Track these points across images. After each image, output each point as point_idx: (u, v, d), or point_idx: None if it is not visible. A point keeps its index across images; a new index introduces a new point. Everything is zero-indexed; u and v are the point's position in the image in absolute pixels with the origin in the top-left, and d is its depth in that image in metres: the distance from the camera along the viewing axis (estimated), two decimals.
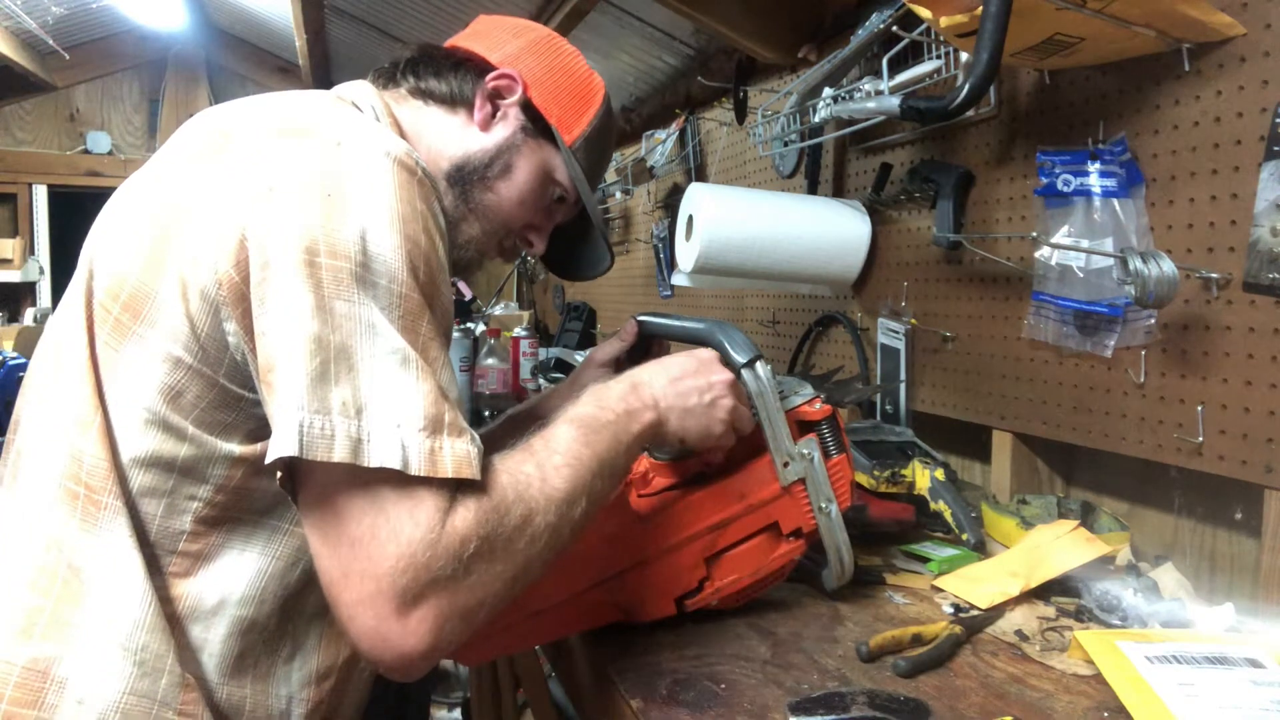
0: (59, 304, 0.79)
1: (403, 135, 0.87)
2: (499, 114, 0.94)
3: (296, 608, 0.77)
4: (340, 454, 0.59)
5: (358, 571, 0.59)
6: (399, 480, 0.60)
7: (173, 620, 0.70)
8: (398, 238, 0.65)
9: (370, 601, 0.58)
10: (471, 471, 0.62)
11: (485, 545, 0.62)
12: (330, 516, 0.61)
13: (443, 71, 0.94)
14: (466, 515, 0.62)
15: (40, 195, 4.98)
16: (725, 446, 0.88)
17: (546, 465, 0.69)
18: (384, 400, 0.61)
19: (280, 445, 0.60)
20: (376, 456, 0.60)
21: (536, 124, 0.96)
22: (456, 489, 0.63)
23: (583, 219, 1.05)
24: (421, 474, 0.60)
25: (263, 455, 0.69)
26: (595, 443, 0.73)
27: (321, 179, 0.66)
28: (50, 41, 3.73)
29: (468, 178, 0.91)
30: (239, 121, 0.74)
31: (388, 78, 0.94)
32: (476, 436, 0.65)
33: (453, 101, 0.93)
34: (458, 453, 0.62)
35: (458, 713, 2.53)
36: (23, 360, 2.63)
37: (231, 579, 0.73)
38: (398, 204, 0.66)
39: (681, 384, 0.83)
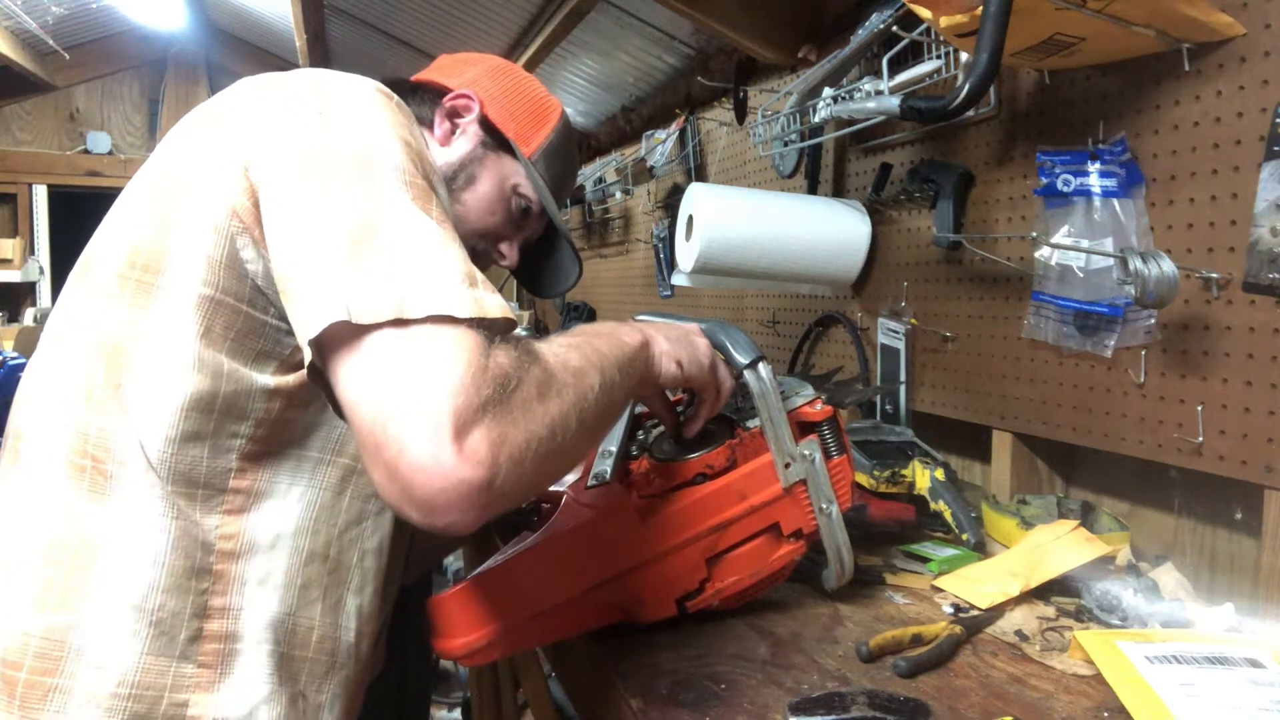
0: (58, 300, 0.80)
1: None
2: (458, 130, 1.02)
3: (354, 539, 0.80)
4: (387, 313, 0.59)
5: (405, 403, 0.57)
6: (443, 322, 0.61)
7: (231, 557, 0.72)
8: (393, 137, 0.69)
9: (424, 428, 0.56)
10: (511, 315, 0.65)
11: (525, 382, 0.62)
12: (371, 365, 0.60)
13: (404, 95, 0.98)
14: (506, 355, 0.62)
15: (40, 195, 4.98)
16: (714, 393, 0.90)
17: (554, 346, 0.71)
18: (419, 260, 0.63)
19: (321, 317, 0.60)
20: (423, 307, 0.60)
21: (495, 138, 1.02)
22: (493, 337, 0.63)
23: (550, 234, 1.11)
24: (468, 315, 0.61)
25: (298, 386, 0.73)
26: (595, 342, 0.75)
27: (311, 103, 0.71)
28: (50, 41, 3.73)
29: None
30: (227, 97, 0.78)
31: None
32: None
33: (415, 121, 0.98)
34: (499, 300, 0.65)
35: (458, 713, 2.53)
36: (23, 360, 2.64)
37: (284, 512, 0.75)
38: (387, 114, 0.71)
39: (659, 325, 0.87)
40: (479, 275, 0.66)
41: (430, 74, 1.09)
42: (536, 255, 1.14)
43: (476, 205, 1.00)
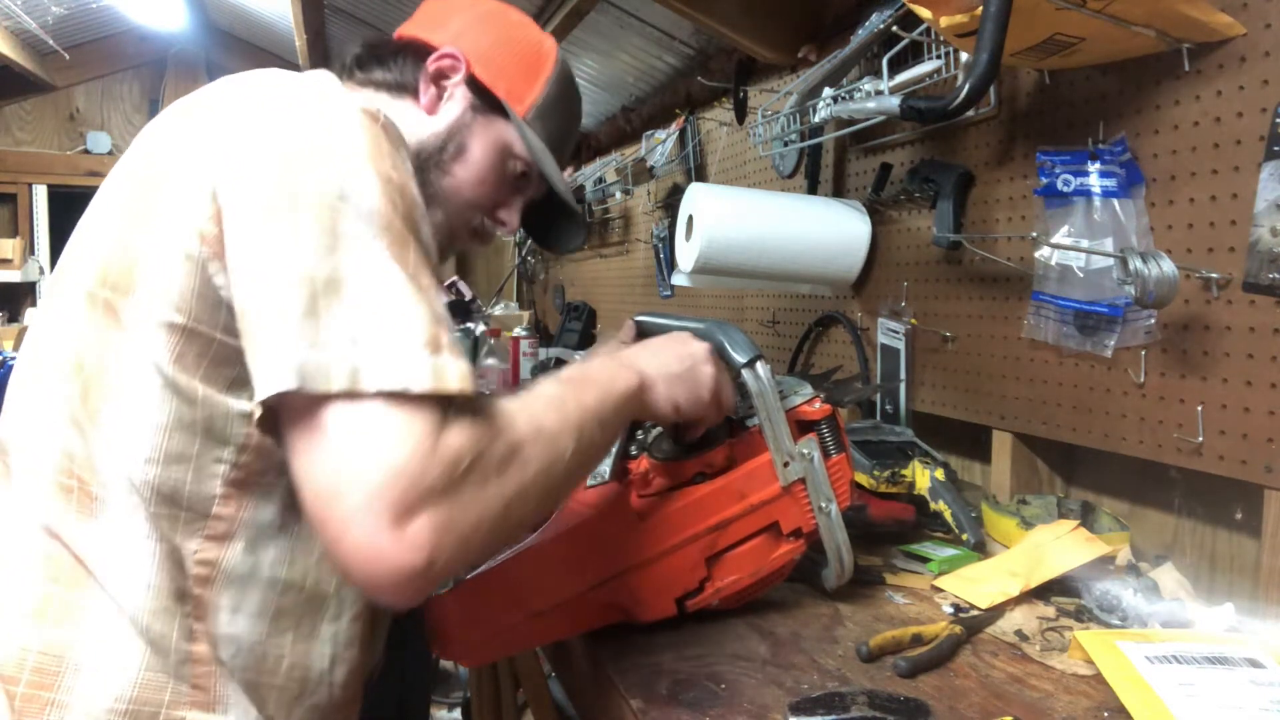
0: (38, 307, 0.79)
1: None
2: (445, 95, 0.93)
3: (332, 568, 0.78)
4: (339, 384, 0.58)
5: (349, 484, 0.57)
6: (395, 399, 0.59)
7: (206, 583, 0.71)
8: (371, 174, 0.65)
9: (364, 512, 0.56)
10: (472, 387, 0.62)
11: (478, 463, 0.61)
12: (319, 439, 0.59)
13: (385, 60, 0.93)
14: (460, 432, 0.61)
15: (40, 195, 4.98)
16: (715, 416, 0.89)
17: (533, 406, 0.70)
18: (380, 325, 0.61)
19: (275, 381, 0.59)
20: (376, 380, 0.59)
21: (486, 100, 0.94)
22: (449, 409, 0.62)
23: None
24: (427, 390, 0.59)
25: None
26: (581, 393, 0.74)
27: (288, 125, 0.66)
28: (50, 41, 3.73)
29: (424, 165, 0.90)
30: (202, 96, 0.75)
31: (338, 71, 0.93)
32: (468, 361, 0.66)
33: (399, 89, 0.93)
34: (461, 369, 0.62)
35: (458, 713, 2.53)
36: None
37: (264, 541, 0.73)
38: (367, 145, 0.66)
39: (662, 354, 0.85)
40: (444, 337, 0.63)
41: (416, 28, 1.00)
42: (546, 209, 1.06)
43: (468, 177, 0.93)
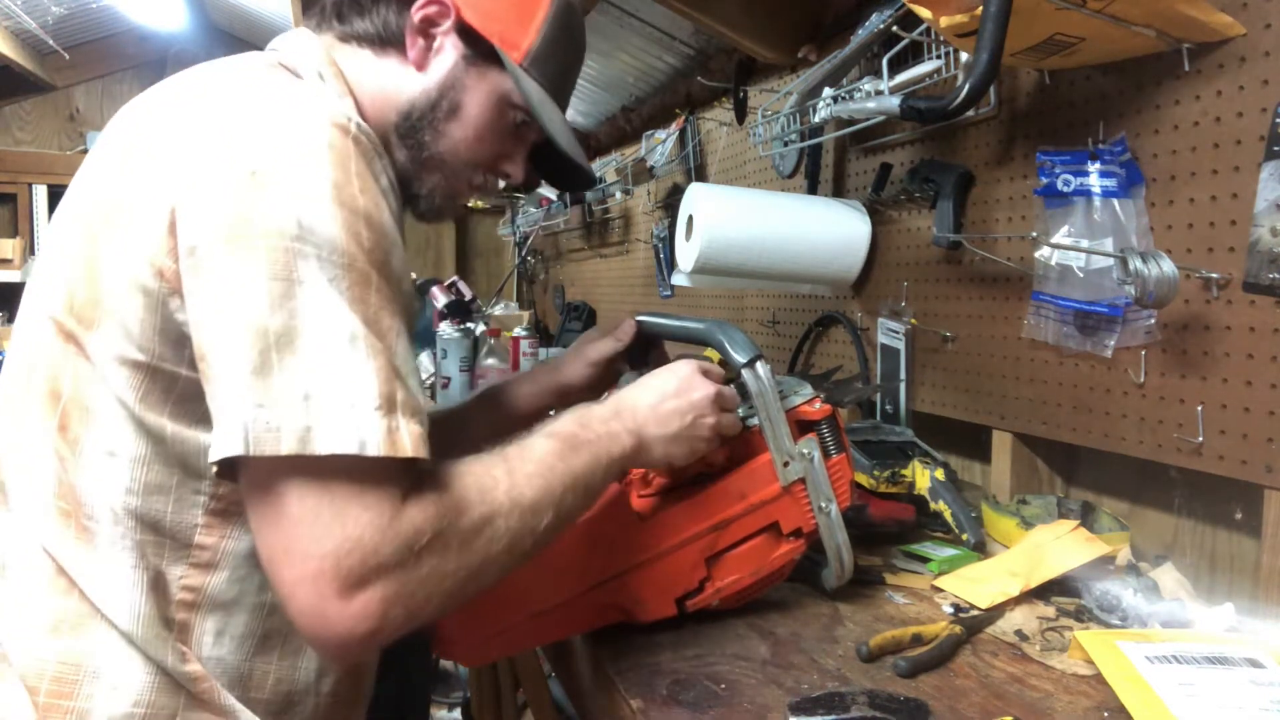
0: (16, 322, 0.76)
1: (349, 89, 0.81)
2: (434, 47, 0.84)
3: None
4: (288, 446, 0.57)
5: (300, 550, 0.57)
6: (351, 464, 0.58)
7: (191, 608, 0.71)
8: (333, 206, 0.61)
9: (312, 580, 0.57)
10: (426, 452, 0.61)
11: (439, 539, 0.60)
12: (273, 500, 0.59)
13: (366, 8, 0.85)
14: (422, 507, 0.60)
15: (40, 195, 4.97)
16: (714, 457, 0.88)
17: (517, 471, 0.68)
18: (333, 382, 0.58)
19: (224, 445, 0.58)
20: (327, 443, 0.57)
21: (478, 47, 0.85)
22: (413, 476, 0.61)
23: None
24: (381, 454, 0.58)
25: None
26: (571, 458, 0.72)
27: (247, 156, 0.62)
28: (50, 41, 3.72)
29: (416, 126, 0.84)
30: (161, 109, 0.72)
31: (319, 19, 0.87)
32: (425, 418, 0.63)
33: (383, 42, 0.85)
34: (414, 433, 0.60)
35: (458, 713, 2.53)
36: None
37: (246, 567, 0.72)
38: (332, 170, 0.62)
39: (663, 408, 0.82)
40: (399, 394, 0.60)
41: None
42: (553, 151, 0.94)
43: (465, 136, 0.85)
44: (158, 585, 0.70)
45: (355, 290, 0.61)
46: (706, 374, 0.85)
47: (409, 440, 0.60)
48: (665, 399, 0.82)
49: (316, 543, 0.57)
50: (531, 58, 0.86)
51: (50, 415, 0.70)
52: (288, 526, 0.58)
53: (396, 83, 0.84)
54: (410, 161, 0.85)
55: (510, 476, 0.67)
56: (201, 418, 0.66)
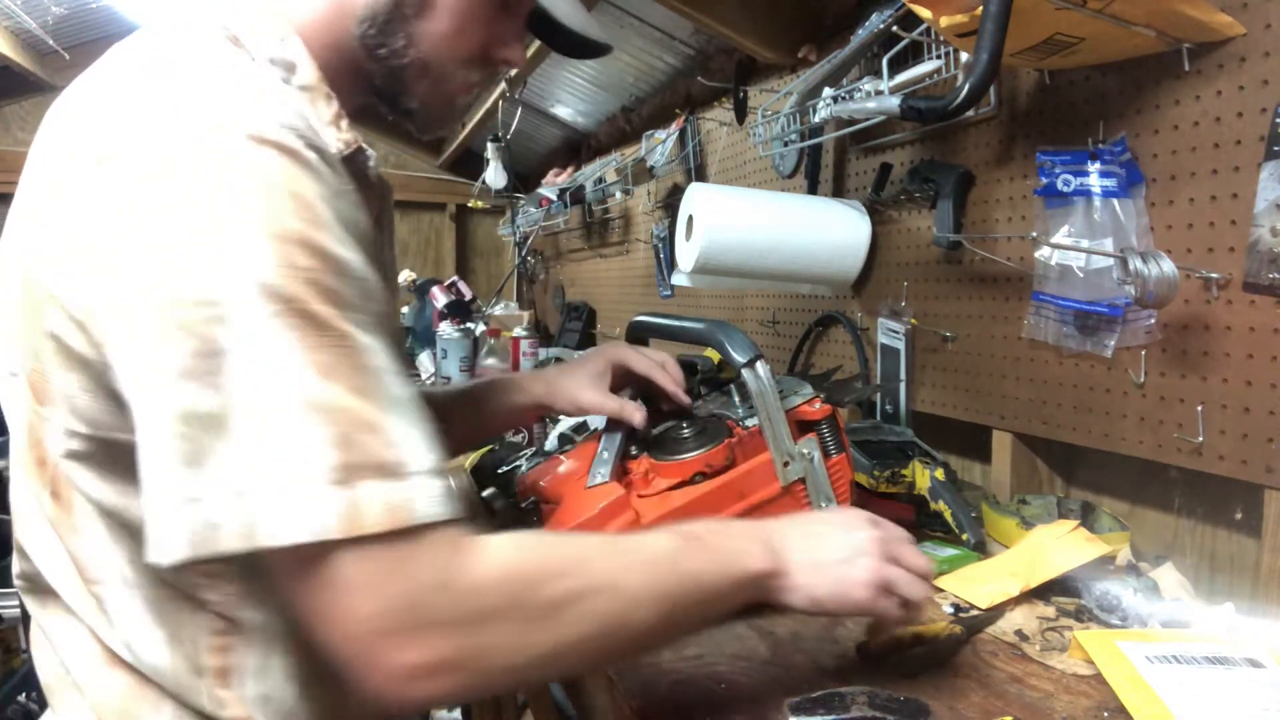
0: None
1: (297, 29, 0.68)
2: None
3: None
4: (231, 543, 0.50)
5: (346, 614, 0.52)
6: (304, 556, 0.51)
7: (224, 651, 0.65)
8: (260, 240, 0.52)
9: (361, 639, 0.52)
10: (409, 517, 0.51)
11: (511, 604, 0.54)
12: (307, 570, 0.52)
13: None
14: (490, 565, 0.54)
15: None
16: (881, 615, 0.75)
17: (624, 555, 0.61)
18: (271, 462, 0.50)
19: (169, 547, 0.51)
20: (273, 532, 0.49)
21: None
22: (457, 528, 0.54)
23: None
24: (341, 536, 0.50)
25: None
26: (690, 559, 0.64)
27: (161, 210, 0.52)
28: (50, 41, 3.72)
29: (383, 31, 0.71)
30: (76, 137, 0.60)
31: None
32: (434, 461, 0.54)
33: None
34: (388, 497, 0.51)
35: (458, 712, 2.53)
36: None
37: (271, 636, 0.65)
38: (257, 196, 0.53)
39: (814, 529, 0.72)
40: (366, 454, 0.51)
41: None
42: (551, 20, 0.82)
43: (442, 29, 0.72)
44: (180, 639, 0.64)
45: (298, 335, 0.51)
46: (878, 524, 0.75)
47: (373, 510, 0.51)
48: (819, 523, 0.74)
49: (366, 602, 0.51)
50: None
51: (42, 484, 0.64)
52: (326, 594, 0.52)
53: None
54: (388, 76, 0.74)
55: (614, 559, 0.61)
56: None
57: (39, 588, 0.68)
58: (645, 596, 0.60)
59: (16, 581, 0.71)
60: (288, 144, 0.55)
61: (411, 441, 0.54)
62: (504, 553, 0.56)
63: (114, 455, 0.59)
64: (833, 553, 0.71)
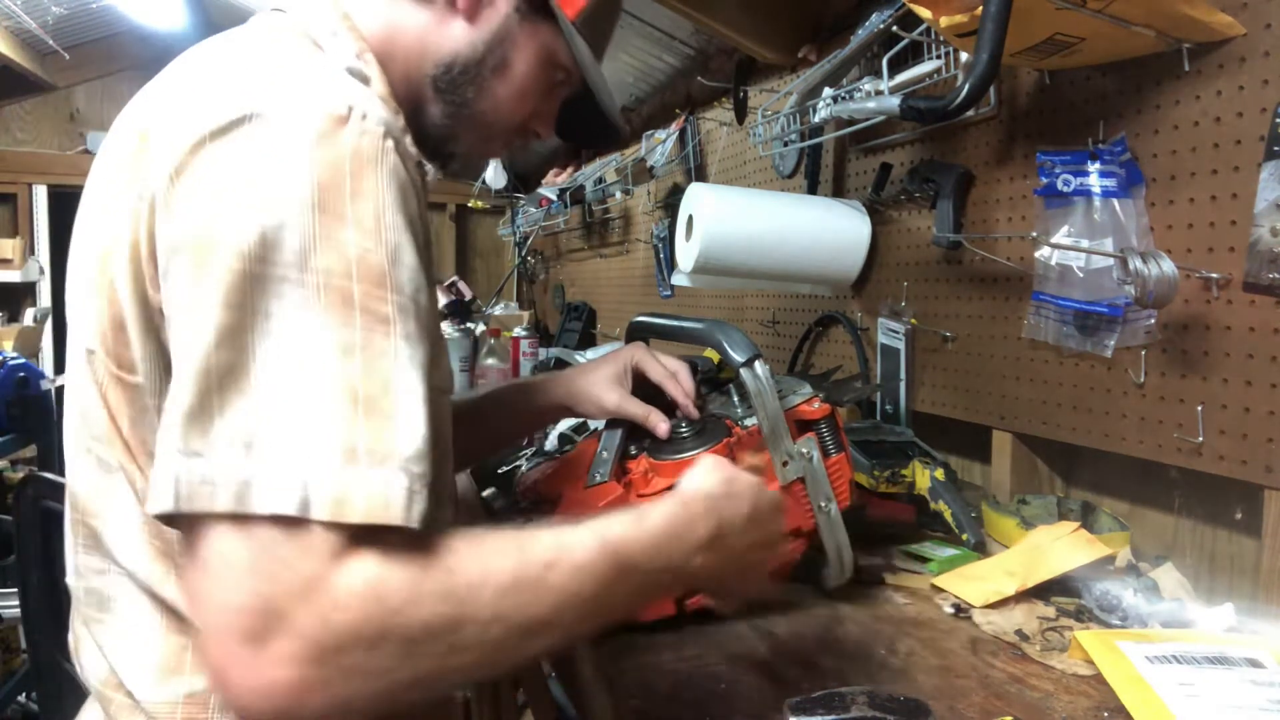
0: (67, 356, 0.71)
1: (373, 50, 0.73)
2: None
3: None
4: (224, 503, 0.49)
5: (214, 624, 0.50)
6: (289, 531, 0.50)
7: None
8: (311, 214, 0.53)
9: (222, 655, 0.49)
10: (388, 516, 0.51)
11: (379, 640, 0.50)
12: (197, 565, 0.51)
13: None
14: (365, 578, 0.50)
15: (40, 195, 4.97)
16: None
17: (530, 578, 0.56)
18: (285, 427, 0.50)
19: (155, 498, 0.51)
20: (265, 503, 0.49)
21: (532, 1, 0.78)
22: (368, 539, 0.51)
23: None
24: (324, 519, 0.49)
25: None
26: (614, 588, 0.62)
27: (230, 172, 0.55)
28: (50, 41, 3.72)
29: (458, 80, 0.78)
30: (156, 127, 0.63)
31: None
32: (414, 467, 0.53)
33: None
34: (377, 491, 0.51)
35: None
36: (22, 360, 2.63)
37: None
38: (315, 171, 0.55)
39: (741, 527, 0.72)
40: (372, 443, 0.51)
41: None
42: (578, 107, 0.89)
43: (508, 94, 0.80)
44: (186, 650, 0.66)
45: (332, 314, 0.53)
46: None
47: (361, 500, 0.50)
48: (742, 525, 0.72)
49: (230, 594, 0.49)
50: (585, 16, 0.80)
51: (122, 450, 0.66)
52: (207, 596, 0.51)
53: (439, 33, 0.77)
54: (447, 117, 0.79)
55: (514, 585, 0.55)
56: None
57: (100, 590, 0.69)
58: (540, 626, 0.56)
59: (71, 581, 0.72)
60: (355, 120, 0.57)
61: (388, 434, 0.53)
62: (391, 568, 0.51)
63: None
64: (751, 554, 0.74)
